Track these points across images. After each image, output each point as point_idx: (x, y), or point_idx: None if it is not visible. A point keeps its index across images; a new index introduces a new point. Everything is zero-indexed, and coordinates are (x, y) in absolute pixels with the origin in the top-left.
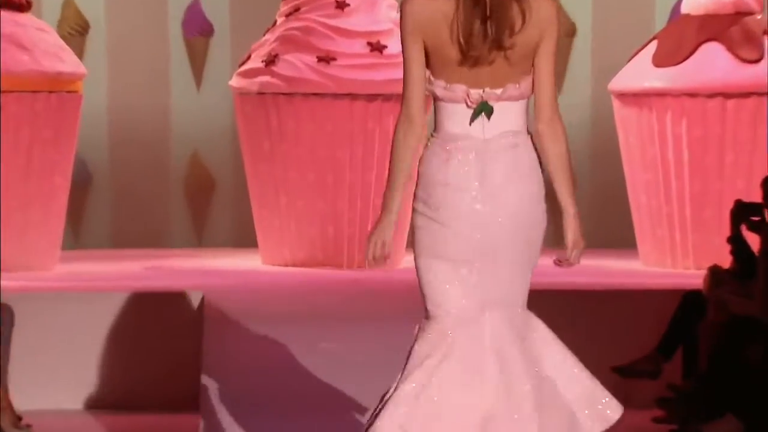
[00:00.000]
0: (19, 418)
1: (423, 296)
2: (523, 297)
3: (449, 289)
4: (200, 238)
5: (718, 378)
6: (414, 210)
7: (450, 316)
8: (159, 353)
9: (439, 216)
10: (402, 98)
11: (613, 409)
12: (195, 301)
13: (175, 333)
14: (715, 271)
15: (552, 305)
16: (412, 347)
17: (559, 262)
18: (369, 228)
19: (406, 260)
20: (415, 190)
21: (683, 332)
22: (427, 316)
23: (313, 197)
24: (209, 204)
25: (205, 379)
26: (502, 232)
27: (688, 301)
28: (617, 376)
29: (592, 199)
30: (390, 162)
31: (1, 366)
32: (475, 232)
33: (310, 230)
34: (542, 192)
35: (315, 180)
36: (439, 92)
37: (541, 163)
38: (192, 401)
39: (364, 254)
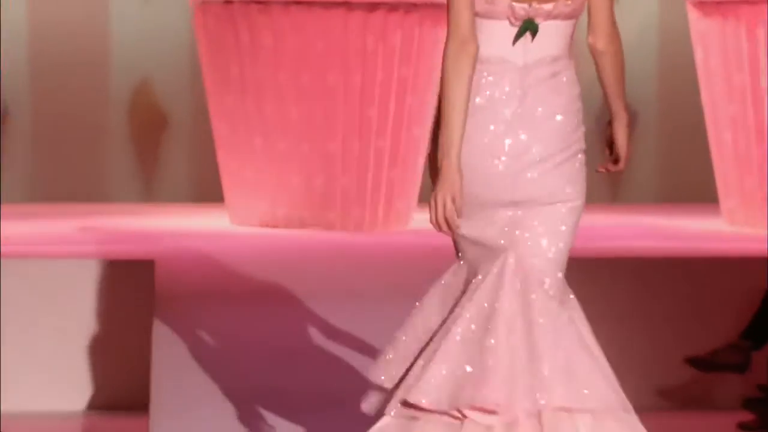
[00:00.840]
0: None
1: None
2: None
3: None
4: (149, 190)
5: None
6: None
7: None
8: (95, 340)
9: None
10: (448, 15)
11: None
12: (143, 273)
13: (116, 314)
14: None
15: (611, 275)
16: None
17: (605, 169)
18: (369, 178)
19: (417, 218)
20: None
21: None
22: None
23: (297, 138)
24: (160, 147)
25: (156, 373)
26: (537, 171)
27: None
28: (694, 370)
29: (658, 139)
30: (442, 97)
31: None
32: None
33: (293, 181)
34: (581, 128)
35: (299, 115)
36: (479, 7)
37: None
38: (141, 400)
39: (430, 218)
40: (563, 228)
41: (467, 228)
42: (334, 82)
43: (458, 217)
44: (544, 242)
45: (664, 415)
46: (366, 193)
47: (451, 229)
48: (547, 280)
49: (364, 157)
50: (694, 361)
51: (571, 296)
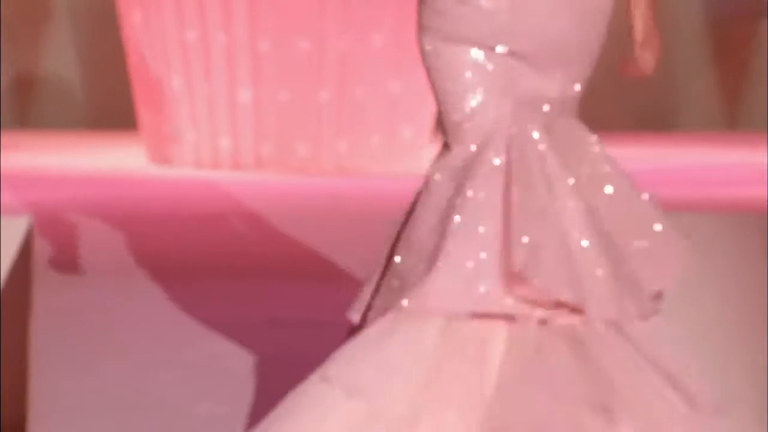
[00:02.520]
0: None
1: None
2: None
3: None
4: (25, 113)
5: None
6: None
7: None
8: None
9: None
10: None
11: None
12: (16, 234)
13: None
14: None
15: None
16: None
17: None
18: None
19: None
20: None
21: None
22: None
23: (245, 32)
24: (39, 45)
25: (36, 373)
26: None
27: None
28: None
29: None
30: None
31: None
32: None
33: (242, 97)
34: None
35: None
36: None
37: None
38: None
39: None
40: None
41: None
42: None
43: None
44: None
45: None
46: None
47: None
48: None
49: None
50: None
51: None
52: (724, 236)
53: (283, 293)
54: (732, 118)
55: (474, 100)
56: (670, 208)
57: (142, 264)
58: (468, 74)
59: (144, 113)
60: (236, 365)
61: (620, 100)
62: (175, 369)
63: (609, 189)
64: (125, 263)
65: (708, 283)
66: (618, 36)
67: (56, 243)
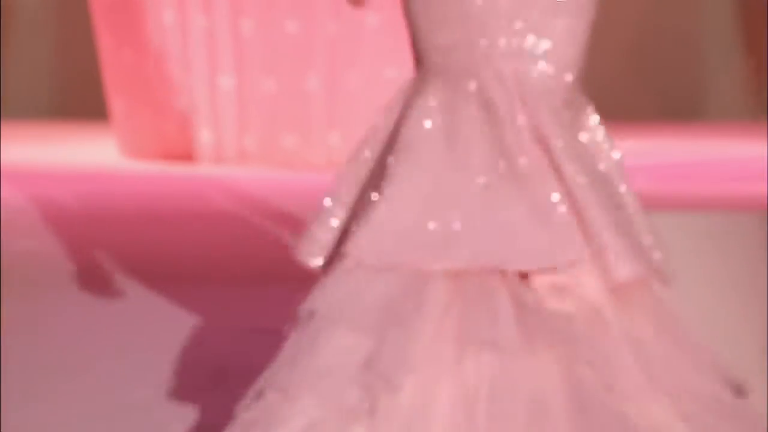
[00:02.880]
0: None
1: None
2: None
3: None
4: None
5: None
6: None
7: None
8: None
9: None
10: None
11: None
12: None
13: None
14: None
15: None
16: None
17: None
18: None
19: None
20: None
21: None
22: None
23: (226, 13)
24: (10, 36)
25: (5, 373)
26: None
27: None
28: None
29: None
30: None
31: None
32: None
33: (223, 84)
34: None
35: None
36: None
37: None
38: None
39: None
40: None
41: None
42: None
43: None
44: None
45: None
46: None
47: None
48: None
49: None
50: None
51: None
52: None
53: (267, 299)
54: (762, 107)
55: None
56: (695, 206)
57: (114, 267)
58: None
59: (116, 103)
60: (217, 376)
61: (645, 88)
62: (151, 380)
63: (584, 137)
64: (96, 265)
65: (731, 282)
66: (638, 23)
67: (23, 243)
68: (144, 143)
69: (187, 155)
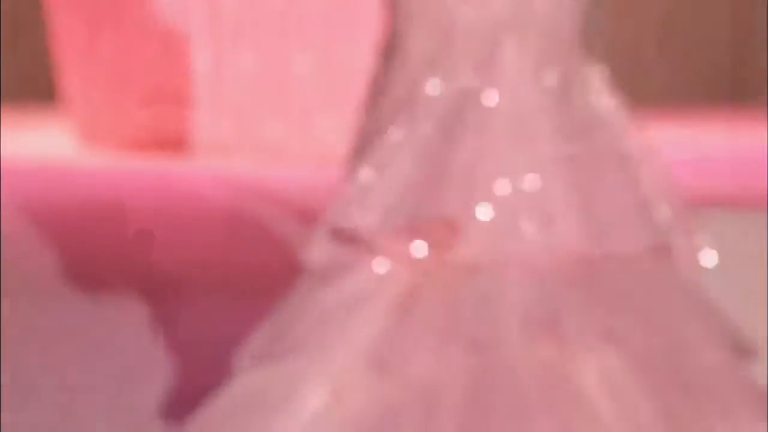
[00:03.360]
0: None
1: None
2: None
3: None
4: None
5: None
6: None
7: None
8: None
9: None
10: None
11: None
12: None
13: None
14: None
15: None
16: None
17: None
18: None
19: None
20: None
21: None
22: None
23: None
24: None
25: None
26: None
27: None
28: None
29: None
30: None
31: None
32: None
33: (187, 62)
34: None
35: None
36: None
37: None
38: None
39: None
40: None
41: None
42: None
43: None
44: None
45: None
46: None
47: None
48: None
49: None
50: None
51: None
52: None
53: (247, 307)
54: None
55: None
56: (741, 204)
57: (73, 270)
58: None
59: (70, 85)
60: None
61: (690, 71)
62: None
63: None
64: (53, 266)
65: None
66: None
67: None
68: (104, 130)
69: (154, 144)
